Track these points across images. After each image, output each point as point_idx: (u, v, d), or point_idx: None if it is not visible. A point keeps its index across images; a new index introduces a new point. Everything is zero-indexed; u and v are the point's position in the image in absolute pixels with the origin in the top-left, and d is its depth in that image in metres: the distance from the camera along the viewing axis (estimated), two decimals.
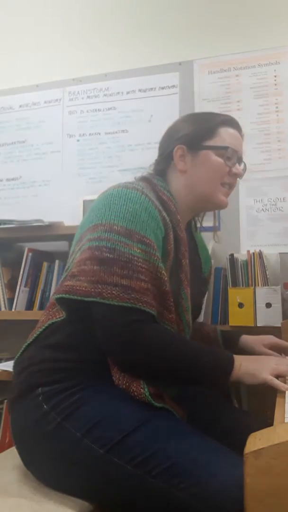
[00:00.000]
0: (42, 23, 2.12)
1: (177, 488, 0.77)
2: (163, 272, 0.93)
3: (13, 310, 1.74)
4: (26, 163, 2.08)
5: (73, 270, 0.93)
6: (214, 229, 1.28)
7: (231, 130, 1.11)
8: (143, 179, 1.08)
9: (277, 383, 0.89)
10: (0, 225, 1.76)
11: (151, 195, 0.98)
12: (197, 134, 1.08)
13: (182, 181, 1.09)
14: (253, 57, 1.85)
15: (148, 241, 0.92)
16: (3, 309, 1.77)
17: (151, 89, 1.96)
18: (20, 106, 2.13)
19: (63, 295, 0.91)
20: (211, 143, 1.08)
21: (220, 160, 1.07)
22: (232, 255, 1.64)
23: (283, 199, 1.77)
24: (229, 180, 1.11)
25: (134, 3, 2.01)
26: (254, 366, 0.94)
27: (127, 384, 0.89)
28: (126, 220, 0.91)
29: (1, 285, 1.79)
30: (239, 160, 1.13)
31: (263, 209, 1.78)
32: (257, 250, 1.62)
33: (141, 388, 0.88)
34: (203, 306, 1.39)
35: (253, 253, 1.62)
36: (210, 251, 1.66)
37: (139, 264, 0.89)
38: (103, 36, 2.03)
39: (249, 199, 1.80)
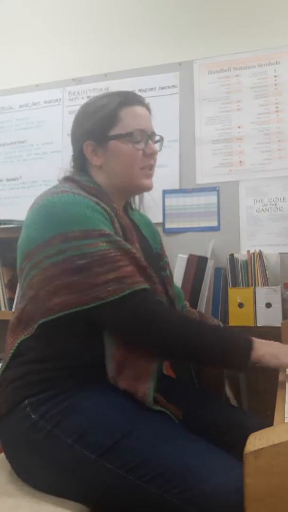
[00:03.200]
0: (42, 23, 2.12)
1: (170, 493, 0.76)
2: (133, 251, 0.94)
3: (13, 310, 1.73)
4: (26, 163, 2.08)
5: (47, 288, 0.90)
6: (140, 207, 1.23)
7: (133, 109, 1.05)
8: (67, 179, 1.05)
9: None
10: (0, 225, 1.76)
11: (82, 193, 0.97)
12: (100, 126, 1.03)
13: (102, 174, 1.06)
14: (253, 57, 1.85)
15: (106, 232, 0.92)
16: (3, 309, 1.77)
17: (151, 89, 1.96)
18: (20, 106, 2.13)
19: (57, 315, 0.89)
20: (116, 131, 1.03)
21: (129, 147, 1.03)
22: (232, 255, 1.64)
23: (283, 199, 1.76)
24: (146, 162, 1.06)
25: (134, 3, 2.01)
26: (277, 348, 0.94)
27: (135, 383, 0.90)
28: (75, 224, 0.90)
29: (1, 285, 1.79)
30: (151, 136, 1.07)
31: (263, 209, 1.78)
32: (257, 250, 1.62)
33: (147, 391, 0.89)
34: (172, 281, 1.29)
35: (253, 253, 1.62)
36: (210, 251, 1.67)
37: (113, 254, 0.90)
38: (103, 36, 2.03)
39: (249, 199, 1.80)
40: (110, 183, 1.06)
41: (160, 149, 1.11)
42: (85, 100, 1.98)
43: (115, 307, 0.88)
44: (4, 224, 1.76)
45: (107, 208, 0.98)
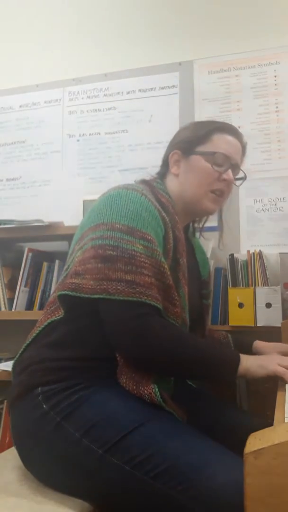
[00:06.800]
0: (42, 23, 2.12)
1: (175, 490, 0.77)
2: (165, 266, 0.95)
3: (13, 310, 1.74)
4: (26, 163, 2.08)
5: (76, 268, 0.94)
6: (220, 236, 1.32)
7: (227, 137, 1.12)
8: (143, 182, 1.10)
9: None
10: (0, 225, 1.76)
11: (150, 197, 1.00)
12: (190, 140, 1.12)
13: (176, 184, 1.13)
14: (253, 57, 1.85)
15: (149, 237, 0.93)
16: (3, 309, 1.77)
17: (151, 89, 1.96)
18: (20, 106, 2.13)
19: (68, 292, 0.93)
20: (202, 148, 1.10)
21: (208, 165, 1.09)
22: (232, 255, 1.64)
23: (283, 199, 1.77)
24: (219, 186, 1.11)
25: (134, 3, 2.01)
26: (262, 359, 0.97)
27: (137, 387, 0.90)
28: (127, 219, 0.93)
29: (1, 285, 1.79)
30: (234, 167, 1.13)
31: (263, 209, 1.78)
32: (257, 250, 1.62)
33: (152, 393, 0.89)
34: (209, 311, 1.39)
35: (253, 253, 1.62)
36: (210, 251, 1.67)
37: (142, 259, 0.91)
38: (103, 36, 2.04)
39: (249, 199, 1.80)
40: (179, 194, 1.11)
41: (238, 186, 1.18)
42: (85, 100, 2.03)
43: (117, 308, 0.89)
44: (4, 224, 1.76)
45: (167, 218, 1.01)
